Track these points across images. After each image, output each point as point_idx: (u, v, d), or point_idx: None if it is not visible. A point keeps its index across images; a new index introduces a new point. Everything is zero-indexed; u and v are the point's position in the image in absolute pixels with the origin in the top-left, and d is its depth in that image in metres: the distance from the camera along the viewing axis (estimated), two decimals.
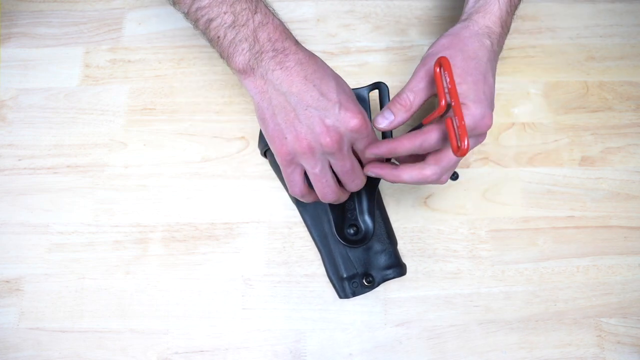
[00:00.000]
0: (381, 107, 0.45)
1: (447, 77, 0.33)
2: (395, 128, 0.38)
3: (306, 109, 0.36)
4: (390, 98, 0.45)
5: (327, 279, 0.45)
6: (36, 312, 0.44)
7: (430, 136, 0.35)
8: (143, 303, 0.44)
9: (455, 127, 0.32)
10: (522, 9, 0.47)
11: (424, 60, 0.39)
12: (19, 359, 0.43)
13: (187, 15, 0.42)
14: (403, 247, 0.46)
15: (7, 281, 0.45)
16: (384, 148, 0.37)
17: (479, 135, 0.38)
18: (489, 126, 0.37)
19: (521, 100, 0.53)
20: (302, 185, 0.40)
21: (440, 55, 0.37)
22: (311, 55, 0.38)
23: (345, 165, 0.38)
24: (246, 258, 0.46)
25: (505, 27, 0.41)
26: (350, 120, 0.36)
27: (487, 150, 0.50)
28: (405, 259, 0.46)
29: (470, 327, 0.44)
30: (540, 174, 0.50)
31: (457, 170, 0.49)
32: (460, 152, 0.31)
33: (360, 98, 0.45)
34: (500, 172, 0.50)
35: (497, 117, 0.50)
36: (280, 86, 0.37)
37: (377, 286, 0.44)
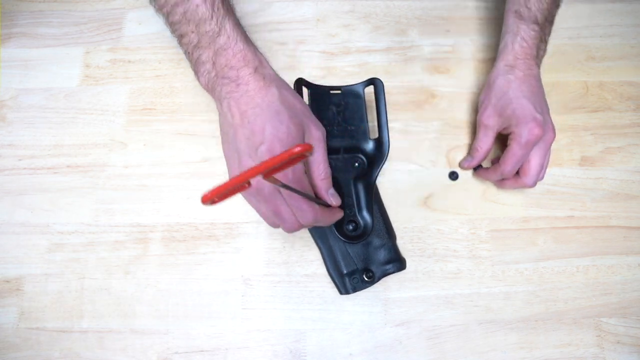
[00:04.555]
0: (377, 102, 0.45)
1: None
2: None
3: (238, 143, 0.36)
4: (385, 95, 0.45)
5: (327, 279, 0.45)
6: (36, 312, 0.44)
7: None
8: (143, 303, 0.44)
9: None
10: None
11: (481, 118, 0.47)
12: (18, 359, 0.43)
13: (166, 24, 0.42)
14: (403, 247, 0.46)
15: (7, 281, 0.45)
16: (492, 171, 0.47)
17: (541, 148, 0.44)
18: (537, 135, 0.43)
19: None
20: None
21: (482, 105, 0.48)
22: (262, 87, 0.37)
23: (265, 209, 0.36)
24: (246, 258, 0.46)
25: (527, 54, 0.46)
26: None
27: None
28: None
29: (470, 327, 0.44)
30: None
31: (456, 170, 0.50)
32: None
33: (355, 94, 0.46)
34: None
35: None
36: (226, 115, 0.38)
37: (377, 281, 0.44)
